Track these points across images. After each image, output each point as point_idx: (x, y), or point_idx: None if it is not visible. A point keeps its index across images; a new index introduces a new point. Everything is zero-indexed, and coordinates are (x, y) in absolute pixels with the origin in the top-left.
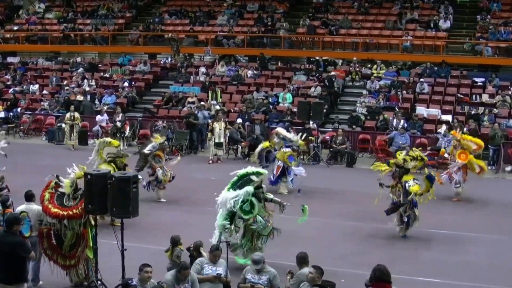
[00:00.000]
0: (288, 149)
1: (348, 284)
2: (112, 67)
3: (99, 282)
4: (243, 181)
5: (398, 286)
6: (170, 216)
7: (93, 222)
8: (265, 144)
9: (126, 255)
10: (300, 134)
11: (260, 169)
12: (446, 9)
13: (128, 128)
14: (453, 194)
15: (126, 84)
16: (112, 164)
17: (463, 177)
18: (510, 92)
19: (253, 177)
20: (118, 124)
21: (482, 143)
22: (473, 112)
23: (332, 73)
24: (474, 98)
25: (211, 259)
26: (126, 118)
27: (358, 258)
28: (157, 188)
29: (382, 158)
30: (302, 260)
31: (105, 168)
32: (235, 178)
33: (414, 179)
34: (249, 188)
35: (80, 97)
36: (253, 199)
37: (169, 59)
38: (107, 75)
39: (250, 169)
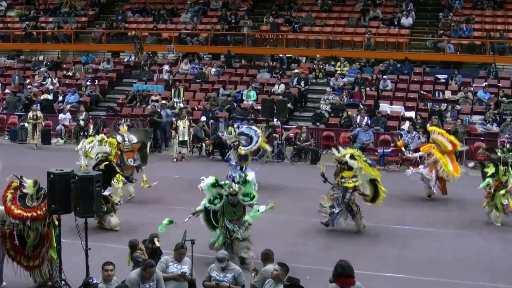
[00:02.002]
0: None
1: (313, 281)
2: (75, 65)
3: (63, 282)
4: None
5: (362, 282)
6: (134, 214)
7: (56, 223)
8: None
9: (90, 254)
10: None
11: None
12: (407, 6)
13: (91, 126)
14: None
15: (89, 82)
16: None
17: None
18: (472, 89)
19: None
20: (82, 123)
21: (457, 144)
22: (436, 108)
23: (296, 70)
24: (436, 95)
25: (176, 257)
26: (90, 116)
27: (323, 255)
28: None
29: None
30: (267, 257)
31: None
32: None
33: (354, 176)
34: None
35: (46, 96)
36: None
37: (133, 57)
38: (70, 73)
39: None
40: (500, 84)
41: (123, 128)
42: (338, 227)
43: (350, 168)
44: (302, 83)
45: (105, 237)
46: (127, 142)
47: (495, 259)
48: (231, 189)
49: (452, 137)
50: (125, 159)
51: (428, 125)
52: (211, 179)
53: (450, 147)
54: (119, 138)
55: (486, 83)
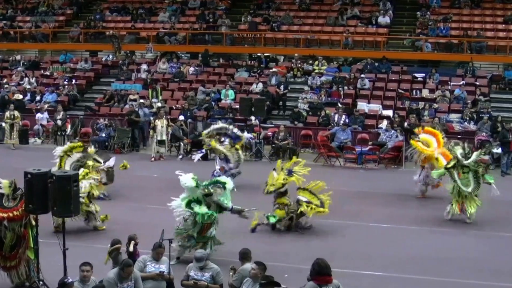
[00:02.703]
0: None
1: (291, 279)
2: (52, 64)
3: (41, 282)
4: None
5: (340, 280)
6: (112, 214)
7: (34, 223)
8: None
9: (68, 254)
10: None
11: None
12: (384, 6)
13: (69, 126)
14: (417, 192)
15: (67, 82)
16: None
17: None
18: (449, 87)
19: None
20: (59, 122)
21: (437, 132)
22: (413, 107)
23: (274, 69)
24: (414, 93)
25: (154, 256)
26: (68, 116)
27: (300, 253)
28: None
29: (324, 154)
30: (245, 256)
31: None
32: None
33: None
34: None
35: (17, 96)
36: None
37: (111, 57)
38: (47, 73)
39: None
40: (477, 83)
41: (91, 149)
42: (315, 226)
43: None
44: (282, 87)
45: (83, 237)
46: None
47: (473, 255)
48: (206, 191)
49: (429, 129)
50: None
51: (406, 123)
52: (192, 183)
53: (435, 142)
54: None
55: (464, 82)
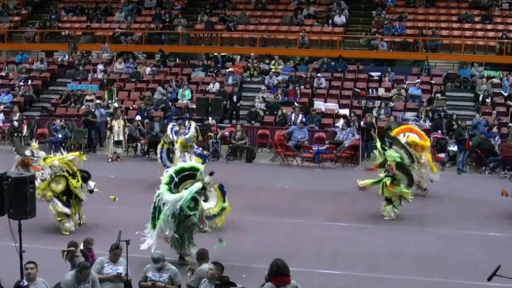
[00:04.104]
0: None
1: (249, 279)
2: (8, 65)
3: None
4: (181, 176)
5: (298, 279)
6: None
7: None
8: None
9: (25, 256)
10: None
11: (196, 164)
12: (340, 5)
13: (25, 127)
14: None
15: (22, 82)
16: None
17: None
18: (405, 86)
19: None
20: (15, 123)
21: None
22: (370, 105)
23: (230, 69)
24: (370, 92)
25: (111, 258)
26: (24, 117)
27: (258, 253)
28: None
29: (281, 153)
30: (202, 256)
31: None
32: (170, 175)
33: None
34: (197, 185)
35: None
36: (196, 195)
37: (67, 57)
38: (3, 73)
39: (187, 164)
40: (432, 81)
41: (34, 145)
42: (272, 225)
43: None
44: (235, 97)
45: (39, 239)
46: (35, 158)
47: (431, 253)
48: (205, 183)
49: (410, 129)
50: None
51: (362, 122)
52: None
53: (420, 139)
54: (28, 153)
55: (419, 80)
